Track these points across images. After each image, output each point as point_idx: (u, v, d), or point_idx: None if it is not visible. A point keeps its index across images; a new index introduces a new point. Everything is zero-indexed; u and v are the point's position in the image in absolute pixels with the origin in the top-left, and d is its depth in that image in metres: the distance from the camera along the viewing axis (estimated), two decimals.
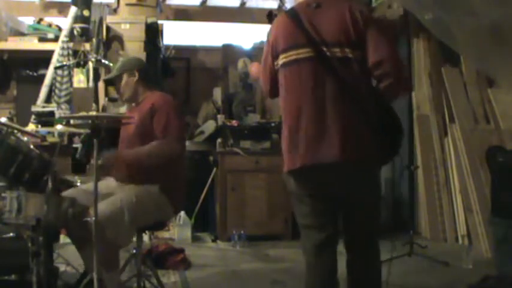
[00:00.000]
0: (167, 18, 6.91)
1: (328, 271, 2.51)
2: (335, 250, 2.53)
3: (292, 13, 2.48)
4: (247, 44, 7.32)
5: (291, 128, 2.44)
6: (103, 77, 5.38)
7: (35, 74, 6.05)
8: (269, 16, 2.87)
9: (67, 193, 3.17)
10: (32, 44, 5.90)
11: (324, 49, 2.37)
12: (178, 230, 5.12)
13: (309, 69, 2.39)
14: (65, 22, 5.86)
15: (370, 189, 2.50)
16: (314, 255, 2.52)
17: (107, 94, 5.58)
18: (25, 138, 3.38)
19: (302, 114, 2.39)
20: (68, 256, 3.67)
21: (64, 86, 5.70)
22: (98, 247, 2.75)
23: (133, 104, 3.49)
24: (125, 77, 3.34)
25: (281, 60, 2.48)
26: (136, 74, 3.33)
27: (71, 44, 5.74)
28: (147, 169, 3.13)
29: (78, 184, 3.51)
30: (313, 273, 2.53)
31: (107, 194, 3.14)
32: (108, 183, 3.29)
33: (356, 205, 2.48)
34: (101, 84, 5.35)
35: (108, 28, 5.75)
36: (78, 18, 5.72)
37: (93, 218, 2.77)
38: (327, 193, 2.47)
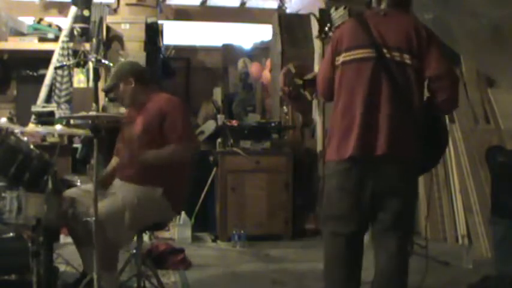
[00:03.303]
0: (167, 18, 6.92)
1: (352, 261, 2.65)
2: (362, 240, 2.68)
3: (361, 17, 2.69)
4: (247, 44, 7.33)
5: (344, 119, 2.59)
6: (103, 77, 5.41)
7: (35, 74, 6.06)
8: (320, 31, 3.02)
9: (67, 193, 3.17)
10: (32, 44, 5.90)
11: (385, 51, 2.56)
12: (178, 230, 5.12)
13: (368, 68, 2.56)
14: (65, 22, 5.87)
15: (408, 187, 2.62)
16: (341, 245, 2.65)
17: (106, 94, 5.58)
18: (25, 138, 3.38)
19: (356, 109, 2.55)
20: (68, 256, 3.66)
21: (64, 86, 5.70)
22: (97, 247, 2.76)
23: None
24: (121, 86, 3.30)
25: (343, 58, 2.64)
26: (132, 80, 3.29)
27: (71, 44, 5.75)
28: (152, 171, 3.12)
29: (78, 184, 3.51)
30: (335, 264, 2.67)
31: (109, 193, 3.15)
32: (111, 186, 3.28)
33: (393, 199, 2.58)
34: (101, 84, 5.35)
35: (108, 28, 5.75)
36: (78, 18, 5.73)
37: (93, 218, 2.77)
38: (369, 184, 2.57)
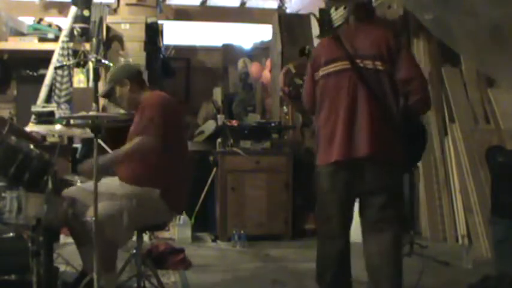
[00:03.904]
0: (167, 18, 6.92)
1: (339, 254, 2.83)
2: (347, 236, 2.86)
3: (335, 35, 2.90)
4: (247, 44, 7.33)
5: (328, 126, 2.81)
6: (103, 77, 5.41)
7: (35, 74, 6.05)
8: (301, 52, 3.14)
9: (67, 192, 3.18)
10: (32, 44, 5.90)
11: (358, 61, 2.78)
12: (178, 230, 5.12)
13: (345, 78, 2.79)
14: (65, 22, 5.86)
15: (391, 185, 2.80)
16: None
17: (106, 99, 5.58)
18: None
19: (338, 116, 2.77)
20: (68, 256, 3.67)
21: (64, 86, 5.70)
22: (97, 249, 2.76)
23: None
24: (117, 89, 3.31)
25: (321, 72, 2.88)
26: (128, 83, 3.30)
27: (71, 44, 5.74)
28: (150, 172, 3.13)
29: (78, 184, 3.51)
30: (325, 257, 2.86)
31: (108, 193, 3.14)
32: (110, 182, 3.29)
33: (377, 197, 2.78)
34: (101, 84, 5.35)
35: (108, 28, 5.75)
36: (78, 18, 5.72)
37: (93, 218, 2.77)
38: (354, 185, 2.78)
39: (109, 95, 3.38)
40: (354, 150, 2.72)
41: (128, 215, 3.00)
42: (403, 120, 2.78)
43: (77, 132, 4.16)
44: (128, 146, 3.15)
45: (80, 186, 3.35)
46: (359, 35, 2.85)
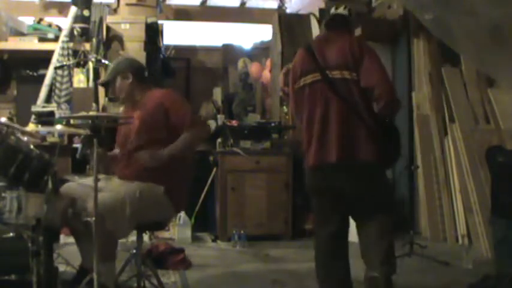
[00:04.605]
0: (167, 18, 6.92)
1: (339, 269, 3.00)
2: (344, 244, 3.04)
3: (308, 47, 3.07)
4: (247, 44, 7.34)
5: (307, 133, 3.00)
6: (103, 77, 5.40)
7: (35, 74, 6.05)
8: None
9: (68, 187, 3.19)
10: (32, 44, 5.90)
11: (327, 72, 2.92)
12: (178, 230, 5.12)
13: (318, 90, 2.95)
14: (65, 22, 5.86)
15: (368, 185, 2.93)
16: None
17: (107, 94, 5.58)
18: (25, 138, 3.38)
19: (314, 124, 2.96)
20: (68, 256, 3.67)
21: (64, 86, 5.70)
22: (97, 245, 2.76)
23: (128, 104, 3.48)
24: (118, 80, 3.32)
25: (297, 84, 3.07)
26: (131, 76, 3.31)
27: (71, 44, 5.74)
28: (152, 170, 3.12)
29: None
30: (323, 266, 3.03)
31: (111, 186, 3.16)
32: (111, 181, 3.29)
33: (358, 196, 2.93)
34: None
35: (108, 28, 5.75)
36: (78, 18, 5.73)
37: (93, 218, 2.77)
38: (330, 190, 2.96)
39: (108, 84, 3.39)
40: (326, 156, 2.90)
41: (131, 207, 3.00)
42: (378, 123, 2.91)
43: (79, 131, 4.16)
44: (186, 140, 3.21)
45: (80, 182, 3.36)
46: (329, 45, 2.99)
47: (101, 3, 6.14)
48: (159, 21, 6.09)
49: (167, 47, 6.46)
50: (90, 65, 5.33)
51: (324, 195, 3.00)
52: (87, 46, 5.75)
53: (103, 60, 4.63)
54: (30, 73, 6.07)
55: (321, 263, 3.02)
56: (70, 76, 5.71)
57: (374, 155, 2.88)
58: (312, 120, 2.98)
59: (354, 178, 2.91)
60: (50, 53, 5.73)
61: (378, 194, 2.97)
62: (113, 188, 3.18)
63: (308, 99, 3.00)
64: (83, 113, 3.14)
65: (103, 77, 3.50)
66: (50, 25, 6.06)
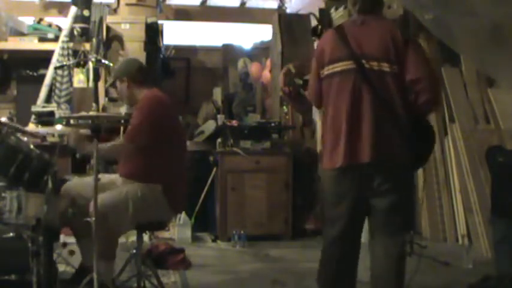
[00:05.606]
0: (167, 18, 6.91)
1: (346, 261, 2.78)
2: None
3: (339, 29, 2.79)
4: (247, 44, 7.33)
5: (332, 130, 2.73)
6: (103, 77, 5.42)
7: (35, 74, 6.04)
8: (314, 31, 3.08)
9: (69, 186, 3.22)
10: (32, 44, 5.89)
11: (363, 62, 2.66)
12: (178, 230, 5.12)
13: (349, 80, 2.67)
14: (65, 22, 5.86)
15: (396, 188, 2.70)
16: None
17: (107, 94, 5.58)
18: (25, 138, 3.38)
19: (342, 119, 2.68)
20: (68, 256, 3.67)
21: (64, 86, 5.69)
22: (97, 244, 2.78)
23: None
24: (118, 84, 3.42)
25: (326, 71, 2.76)
26: (126, 79, 3.37)
27: (71, 44, 5.74)
28: (150, 168, 3.19)
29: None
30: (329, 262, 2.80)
31: (113, 184, 3.20)
32: (113, 179, 3.35)
33: (383, 201, 2.71)
34: (101, 84, 5.35)
35: (108, 28, 5.75)
36: (78, 18, 5.72)
37: (93, 219, 2.78)
38: (359, 189, 2.71)
39: (113, 87, 3.50)
40: (358, 156, 2.65)
41: (133, 205, 3.07)
42: (411, 120, 2.70)
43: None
44: (110, 145, 3.29)
45: (81, 180, 3.39)
46: (366, 31, 2.71)
47: (101, 3, 6.13)
48: (159, 21, 6.09)
49: (167, 47, 6.45)
50: (90, 65, 5.32)
51: (348, 199, 2.73)
52: (87, 46, 5.74)
53: (103, 60, 4.62)
54: (30, 73, 6.06)
55: (329, 271, 2.81)
56: (70, 76, 5.70)
57: (406, 156, 2.69)
58: (339, 115, 2.70)
59: (388, 180, 2.67)
60: (50, 53, 5.73)
61: (406, 201, 2.81)
62: (116, 185, 3.25)
63: (335, 91, 2.72)
64: (83, 113, 3.16)
65: (105, 82, 3.59)
66: (50, 25, 6.05)
